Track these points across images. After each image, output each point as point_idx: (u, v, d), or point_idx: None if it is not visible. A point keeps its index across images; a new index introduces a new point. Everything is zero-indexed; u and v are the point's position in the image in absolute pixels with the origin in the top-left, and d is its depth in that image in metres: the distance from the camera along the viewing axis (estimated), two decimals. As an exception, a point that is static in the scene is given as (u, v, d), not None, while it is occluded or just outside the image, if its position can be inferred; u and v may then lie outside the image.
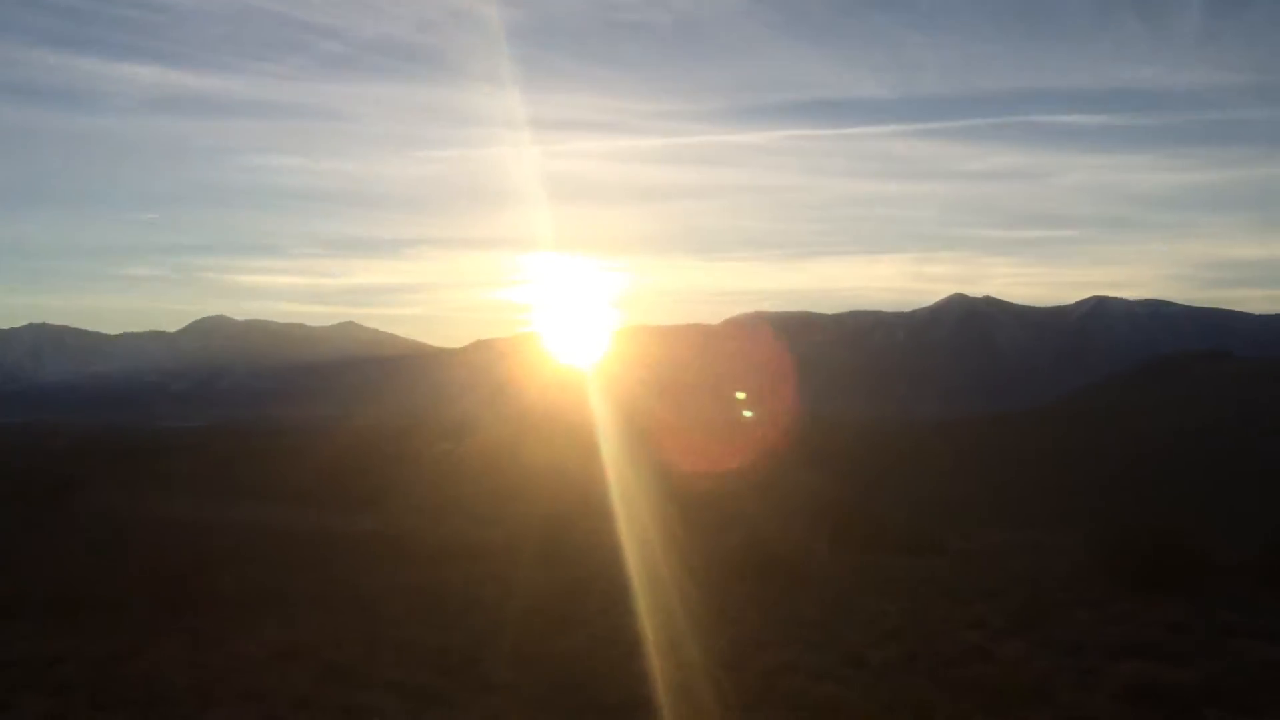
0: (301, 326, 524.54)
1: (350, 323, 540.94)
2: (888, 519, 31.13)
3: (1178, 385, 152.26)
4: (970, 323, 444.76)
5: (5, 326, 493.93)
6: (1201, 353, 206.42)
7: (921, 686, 9.50)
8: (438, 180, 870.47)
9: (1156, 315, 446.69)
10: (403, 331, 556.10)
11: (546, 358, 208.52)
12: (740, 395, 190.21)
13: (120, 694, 10.46)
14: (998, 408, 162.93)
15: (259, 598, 20.56)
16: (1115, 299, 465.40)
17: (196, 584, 21.01)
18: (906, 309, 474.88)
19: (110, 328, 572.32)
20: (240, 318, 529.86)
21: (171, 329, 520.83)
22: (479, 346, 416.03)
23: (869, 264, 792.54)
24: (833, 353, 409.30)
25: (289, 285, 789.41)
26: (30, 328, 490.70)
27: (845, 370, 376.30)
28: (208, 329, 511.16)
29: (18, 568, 28.99)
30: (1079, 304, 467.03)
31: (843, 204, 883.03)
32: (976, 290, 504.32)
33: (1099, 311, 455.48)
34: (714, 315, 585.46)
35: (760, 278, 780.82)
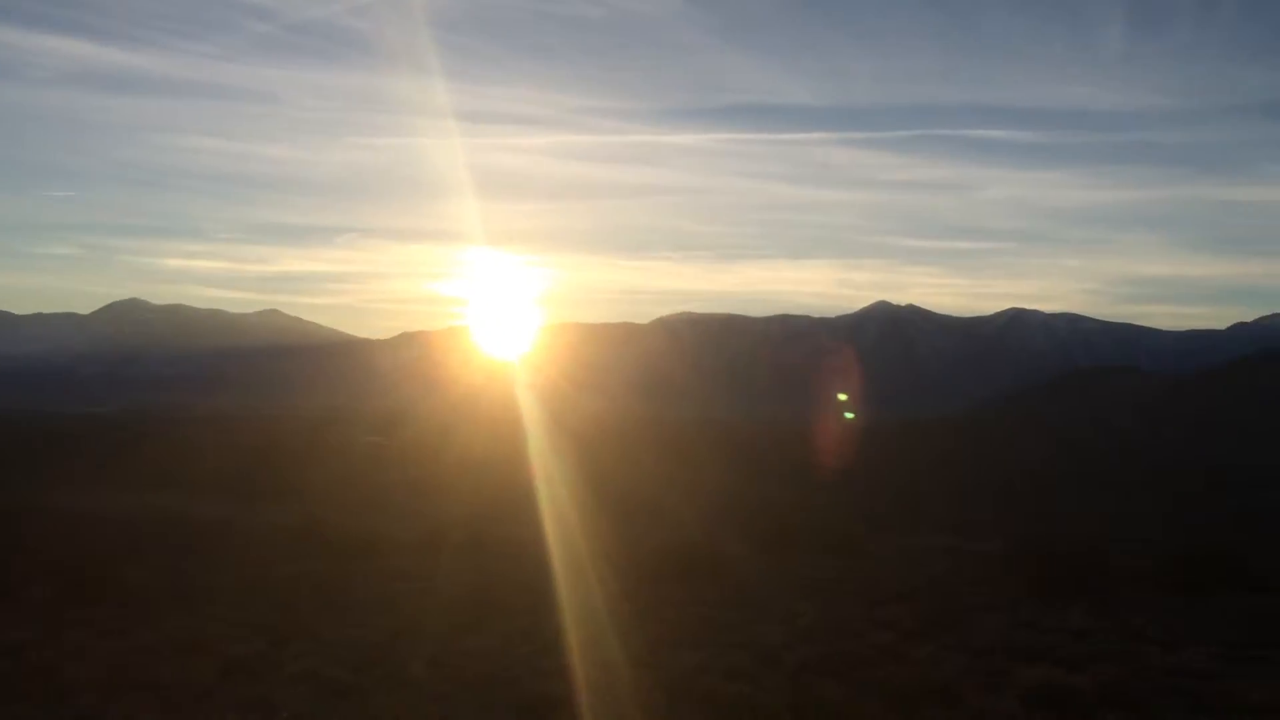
0: (222, 313, 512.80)
1: (273, 310, 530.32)
2: (808, 521, 31.50)
3: (1090, 396, 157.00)
4: (893, 330, 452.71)
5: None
6: (1113, 366, 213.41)
7: (832, 687, 9.60)
8: (367, 169, 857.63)
9: (1074, 329, 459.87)
10: (327, 321, 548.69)
11: (475, 352, 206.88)
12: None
13: (19, 686, 10.09)
14: (918, 414, 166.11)
15: (166, 589, 20.01)
16: (1032, 311, 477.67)
17: (101, 575, 20.38)
18: (832, 314, 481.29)
19: (19, 308, 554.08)
20: (158, 301, 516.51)
21: (84, 311, 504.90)
22: (406, 339, 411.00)
23: (797, 269, 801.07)
24: (759, 356, 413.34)
25: (210, 270, 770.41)
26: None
27: (771, 374, 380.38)
28: (122, 312, 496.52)
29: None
30: (998, 315, 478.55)
31: (773, 208, 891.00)
32: (900, 298, 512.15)
33: (1017, 323, 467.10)
34: (643, 315, 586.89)
35: (689, 279, 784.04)
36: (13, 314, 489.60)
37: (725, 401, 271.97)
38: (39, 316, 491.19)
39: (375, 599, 16.93)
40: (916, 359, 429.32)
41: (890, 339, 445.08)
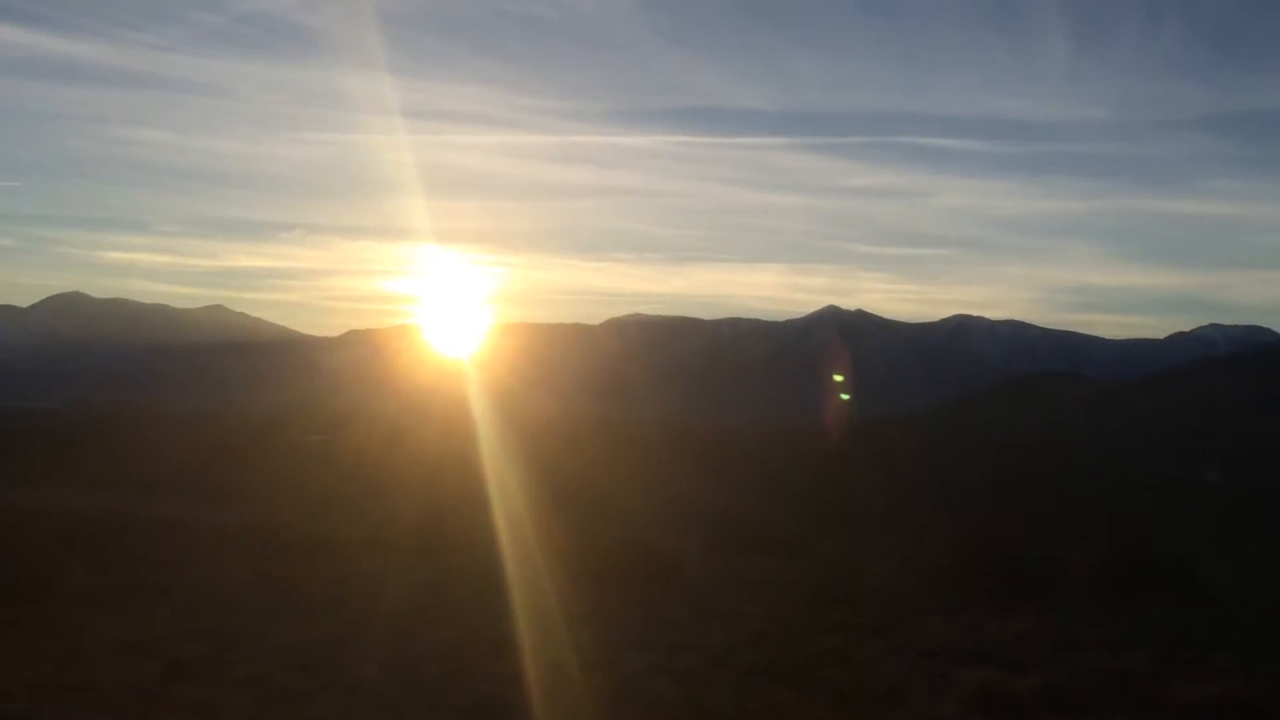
0: (166, 308, 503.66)
1: (218, 306, 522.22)
2: (756, 523, 31.71)
3: (1033, 403, 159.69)
4: (842, 335, 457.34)
5: None
6: (1055, 374, 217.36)
7: (781, 690, 9.70)
8: (317, 165, 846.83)
9: (1018, 336, 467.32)
10: (274, 318, 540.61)
11: (424, 350, 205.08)
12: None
13: (-52, 689, 9.83)
14: (865, 418, 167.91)
15: (106, 590, 19.62)
16: (978, 318, 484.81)
17: (38, 575, 19.92)
18: (782, 318, 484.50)
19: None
20: (100, 295, 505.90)
21: (23, 304, 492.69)
22: (354, 336, 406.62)
23: (747, 272, 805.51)
24: (709, 358, 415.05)
25: (154, 264, 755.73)
26: None
27: (720, 376, 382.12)
28: (62, 305, 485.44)
29: None
30: (944, 321, 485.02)
31: (724, 212, 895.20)
32: (850, 303, 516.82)
33: (963, 329, 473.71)
34: (593, 316, 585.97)
35: (640, 281, 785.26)
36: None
37: (676, 403, 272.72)
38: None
39: (325, 600, 16.75)
40: (864, 363, 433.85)
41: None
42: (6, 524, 36.61)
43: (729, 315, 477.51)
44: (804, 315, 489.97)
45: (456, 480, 34.60)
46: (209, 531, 36.61)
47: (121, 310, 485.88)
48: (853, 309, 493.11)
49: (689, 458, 76.56)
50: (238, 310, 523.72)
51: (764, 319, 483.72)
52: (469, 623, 13.90)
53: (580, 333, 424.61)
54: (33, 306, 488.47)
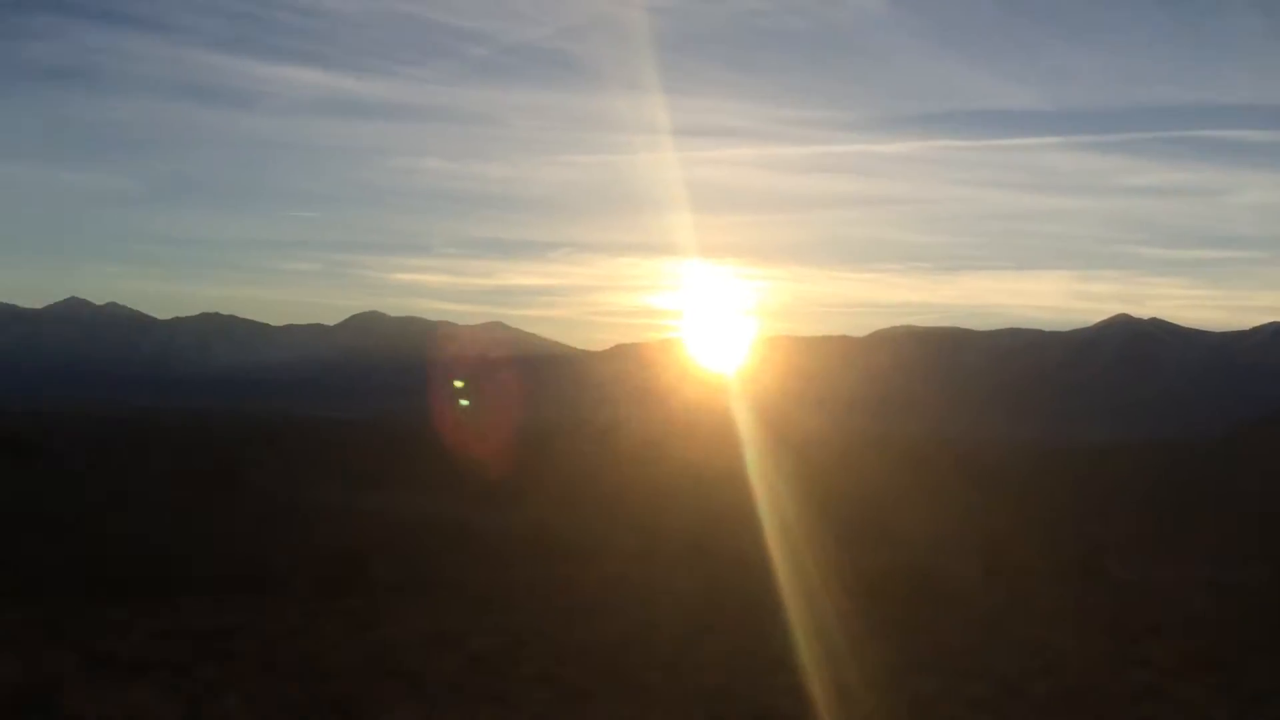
0: (450, 324, 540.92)
1: (496, 323, 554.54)
2: (1044, 545, 29.85)
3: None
4: (1135, 346, 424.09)
5: (178, 315, 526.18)
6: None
7: (1089, 724, 9.00)
8: (582, 185, 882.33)
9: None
10: (545, 333, 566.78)
11: (690, 363, 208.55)
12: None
13: (282, 667, 10.90)
14: (1163, 436, 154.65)
15: (407, 584, 21.19)
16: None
17: (351, 568, 21.86)
18: (1065, 329, 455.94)
19: (273, 319, 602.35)
20: (393, 314, 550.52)
21: (329, 322, 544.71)
22: (621, 350, 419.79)
23: (1023, 281, 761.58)
24: (985, 371, 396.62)
25: (437, 284, 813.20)
26: (201, 317, 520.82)
27: (998, 390, 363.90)
28: (363, 324, 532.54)
29: (192, 546, 30.77)
30: (1256, 330, 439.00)
31: (996, 217, 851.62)
32: (1141, 311, 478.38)
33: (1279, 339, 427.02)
34: (860, 328, 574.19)
35: (908, 291, 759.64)
36: (269, 325, 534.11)
37: (952, 417, 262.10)
38: (291, 328, 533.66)
39: (602, 604, 17.28)
40: (1161, 377, 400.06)
41: (1131, 355, 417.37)
42: (326, 523, 40.47)
43: (1006, 325, 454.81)
44: (1091, 325, 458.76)
45: (725, 493, 34.77)
46: (495, 533, 38.86)
47: (412, 327, 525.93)
48: (1146, 317, 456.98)
49: (967, 475, 73.29)
50: (513, 326, 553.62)
51: (1046, 329, 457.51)
52: (742, 635, 13.87)
53: (847, 345, 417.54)
54: (338, 325, 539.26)
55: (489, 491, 55.36)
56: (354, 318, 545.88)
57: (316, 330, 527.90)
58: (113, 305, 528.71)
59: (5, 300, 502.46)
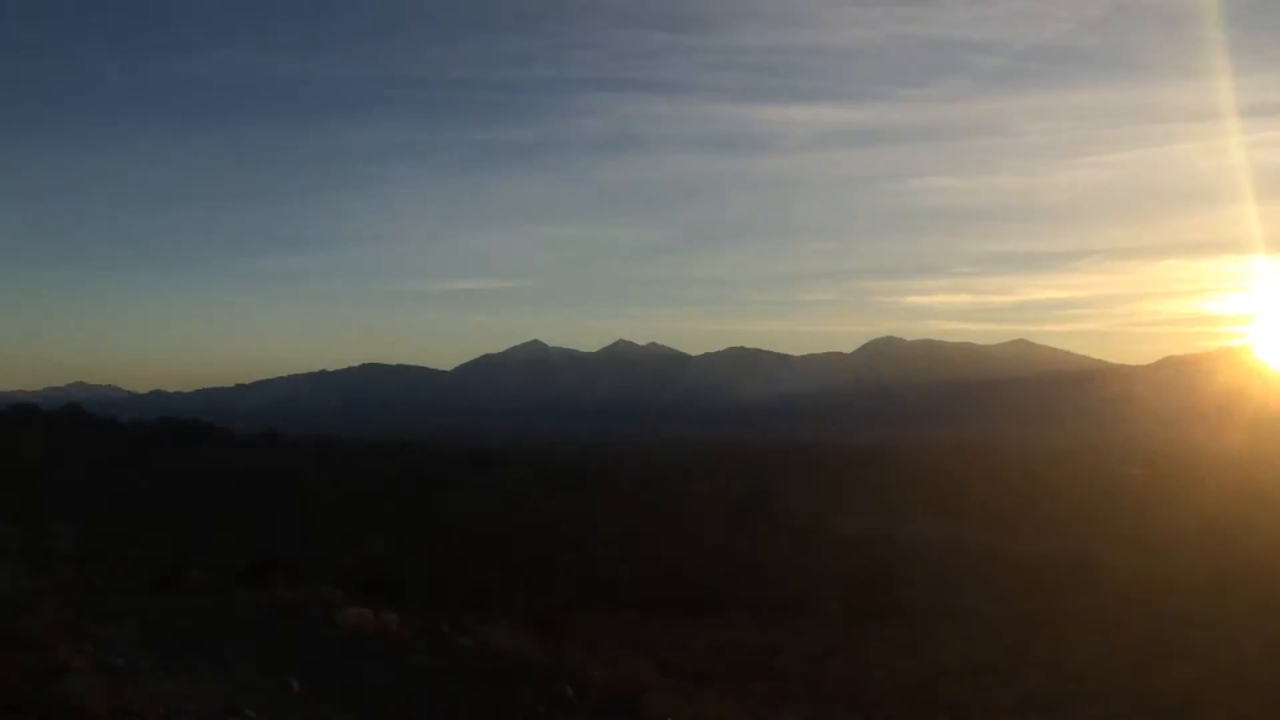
0: (970, 345, 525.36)
1: (1021, 340, 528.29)
2: None
3: None
4: None
5: (710, 350, 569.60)
6: None
7: None
8: (1107, 186, 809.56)
9: None
10: (1076, 348, 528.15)
11: (1259, 375, 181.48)
12: None
13: (829, 688, 11.24)
14: None
15: (938, 610, 20.82)
16: None
17: (880, 593, 22.02)
18: None
19: (794, 349, 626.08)
20: (909, 338, 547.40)
21: (847, 349, 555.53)
22: (1169, 363, 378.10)
23: None
24: None
25: (954, 304, 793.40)
26: (730, 350, 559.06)
27: None
28: (880, 349, 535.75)
29: (728, 569, 33.00)
30: None
31: None
32: None
33: None
34: None
35: None
36: (790, 355, 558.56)
37: None
38: (810, 357, 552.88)
39: (1166, 646, 15.61)
40: None
41: None
42: (851, 547, 41.21)
43: None
44: None
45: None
46: (1029, 562, 36.82)
47: (930, 350, 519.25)
48: None
49: None
50: (1040, 343, 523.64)
51: None
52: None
53: None
54: (855, 351, 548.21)
55: (1016, 517, 52.74)
56: (870, 343, 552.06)
57: (834, 358, 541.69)
58: (653, 345, 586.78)
59: (566, 345, 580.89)
